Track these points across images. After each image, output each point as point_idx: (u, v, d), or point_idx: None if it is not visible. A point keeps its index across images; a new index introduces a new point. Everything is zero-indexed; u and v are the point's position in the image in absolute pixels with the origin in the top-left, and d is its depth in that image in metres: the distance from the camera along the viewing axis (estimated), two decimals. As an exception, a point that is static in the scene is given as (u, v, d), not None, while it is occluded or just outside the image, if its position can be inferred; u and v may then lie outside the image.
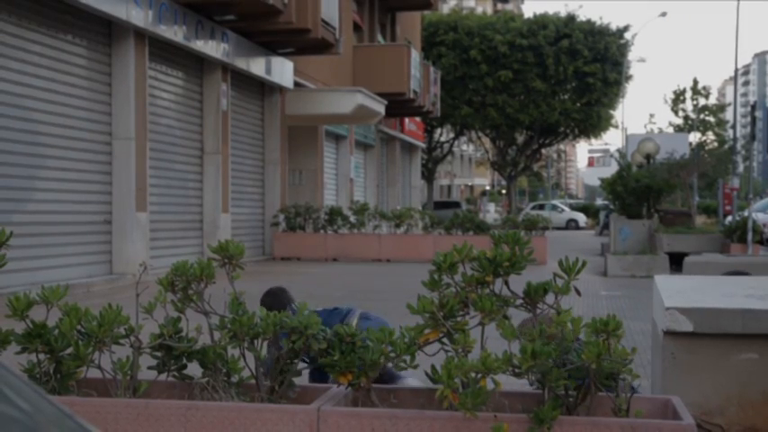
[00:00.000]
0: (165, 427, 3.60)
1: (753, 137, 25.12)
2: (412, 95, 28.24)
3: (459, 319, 3.73)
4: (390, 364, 3.73)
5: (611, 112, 48.13)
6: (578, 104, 44.98)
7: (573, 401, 3.55)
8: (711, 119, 67.94)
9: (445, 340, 3.71)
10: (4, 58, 12.43)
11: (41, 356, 3.85)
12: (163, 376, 3.97)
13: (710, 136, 66.23)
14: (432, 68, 32.48)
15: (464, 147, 66.67)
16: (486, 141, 54.98)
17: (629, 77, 47.27)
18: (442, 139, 49.71)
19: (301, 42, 20.39)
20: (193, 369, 3.97)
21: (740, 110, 74.79)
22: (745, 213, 20.49)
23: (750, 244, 18.54)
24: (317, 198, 23.96)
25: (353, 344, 3.69)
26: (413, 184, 38.51)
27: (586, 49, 42.99)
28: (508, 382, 4.32)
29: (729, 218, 25.17)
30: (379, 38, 31.76)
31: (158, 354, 3.92)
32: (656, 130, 64.12)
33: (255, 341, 3.83)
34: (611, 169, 40.47)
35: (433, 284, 3.78)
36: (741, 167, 39.60)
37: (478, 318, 3.72)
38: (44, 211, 13.30)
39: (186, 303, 3.96)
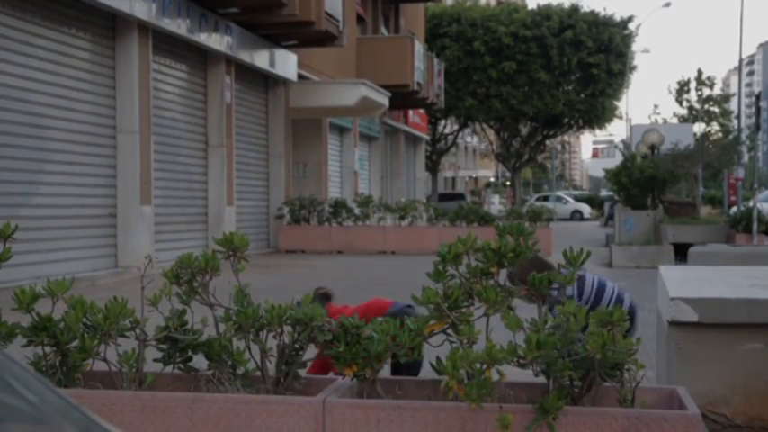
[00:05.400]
0: (171, 419, 3.62)
1: (757, 127, 25.09)
2: (416, 87, 28.20)
3: (463, 310, 3.74)
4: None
5: (616, 103, 48.01)
6: (582, 95, 44.88)
7: (578, 392, 3.56)
8: (716, 109, 67.80)
9: (450, 331, 3.72)
10: (7, 52, 12.43)
11: (47, 349, 3.86)
12: (168, 368, 3.98)
13: (715, 126, 66.12)
14: (435, 60, 32.43)
15: (468, 139, 66.56)
16: (491, 133, 54.90)
17: (633, 68, 47.14)
18: (447, 130, 49.64)
19: (305, 35, 20.37)
20: (199, 361, 3.98)
21: (745, 100, 74.58)
22: (750, 204, 20.45)
23: (755, 234, 18.51)
24: (322, 191, 23.96)
25: (358, 335, 3.70)
26: (417, 177, 38.49)
27: (590, 40, 42.88)
28: (513, 373, 4.33)
29: (734, 208, 25.13)
30: (383, 30, 31.71)
31: (164, 346, 3.93)
32: (660, 121, 64.01)
33: (261, 333, 3.84)
34: (615, 160, 40.41)
35: (437, 276, 3.79)
36: (746, 158, 39.55)
37: (483, 309, 3.73)
38: (49, 205, 13.32)
39: (191, 296, 3.97)
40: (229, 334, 3.85)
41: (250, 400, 3.64)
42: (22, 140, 12.76)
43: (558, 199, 53.95)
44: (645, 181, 23.19)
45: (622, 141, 45.09)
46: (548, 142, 55.65)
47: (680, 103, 67.24)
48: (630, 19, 44.85)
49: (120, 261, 14.85)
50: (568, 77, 44.44)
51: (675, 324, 4.72)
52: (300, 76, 22.28)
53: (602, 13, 44.08)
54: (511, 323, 3.57)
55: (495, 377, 3.49)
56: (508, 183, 69.24)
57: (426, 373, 3.76)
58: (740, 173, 27.03)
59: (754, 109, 26.18)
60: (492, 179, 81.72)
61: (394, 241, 21.26)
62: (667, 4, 56.56)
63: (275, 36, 20.32)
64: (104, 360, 3.87)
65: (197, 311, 3.99)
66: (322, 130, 24.57)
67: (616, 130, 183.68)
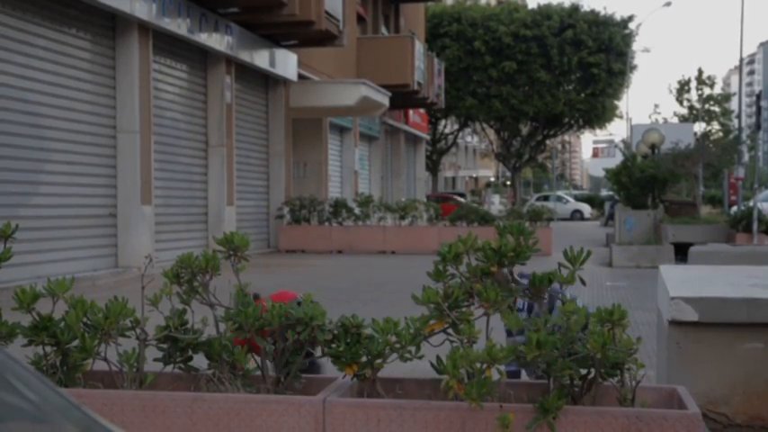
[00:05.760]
0: (172, 419, 3.62)
1: (758, 126, 25.07)
2: (416, 87, 28.20)
3: (464, 309, 3.74)
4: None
5: (616, 102, 48.04)
6: (583, 95, 44.89)
7: (578, 391, 3.56)
8: (716, 109, 67.80)
9: (450, 331, 3.72)
10: (8, 52, 12.44)
11: (48, 349, 3.86)
12: (169, 368, 3.98)
13: (715, 126, 66.12)
14: (436, 60, 32.43)
15: (468, 138, 66.57)
16: (491, 133, 54.92)
17: (633, 68, 47.16)
18: (447, 130, 49.65)
19: (305, 34, 20.37)
20: (199, 361, 3.98)
21: (745, 99, 74.57)
22: (751, 203, 20.45)
23: (755, 234, 18.50)
24: (322, 190, 23.96)
25: (359, 335, 3.70)
26: (417, 176, 38.50)
27: (591, 40, 42.90)
28: (513, 373, 4.30)
29: (734, 208, 25.11)
30: (383, 30, 31.71)
31: (164, 346, 3.93)
32: (660, 121, 63.98)
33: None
34: (615, 160, 40.39)
35: (437, 275, 3.79)
36: (746, 157, 39.55)
37: (483, 308, 3.73)
38: (49, 205, 13.32)
39: (192, 295, 3.97)
40: (230, 334, 3.85)
41: (250, 399, 3.64)
42: (23, 140, 12.76)
43: (559, 199, 53.94)
44: (645, 180, 23.18)
45: (623, 141, 45.07)
46: (548, 142, 55.65)
47: (680, 103, 67.27)
48: (631, 18, 44.88)
49: (120, 261, 14.85)
50: (569, 77, 44.45)
51: (676, 323, 4.72)
52: (300, 76, 22.28)
53: (603, 13, 44.10)
54: (511, 323, 3.57)
55: (496, 377, 3.49)
56: (508, 182, 69.25)
57: (427, 372, 3.76)
58: (740, 172, 27.00)
59: (754, 108, 26.17)
60: (492, 179, 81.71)
61: (394, 241, 21.26)
62: (668, 4, 56.41)
63: (275, 36, 20.32)
64: (105, 360, 3.87)
65: (197, 311, 3.99)
66: (322, 130, 24.57)
67: (616, 130, 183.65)
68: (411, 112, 35.13)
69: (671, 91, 68.34)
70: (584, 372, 3.54)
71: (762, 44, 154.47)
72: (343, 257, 20.02)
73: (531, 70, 43.11)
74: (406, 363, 3.71)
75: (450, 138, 50.05)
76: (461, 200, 42.84)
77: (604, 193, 65.54)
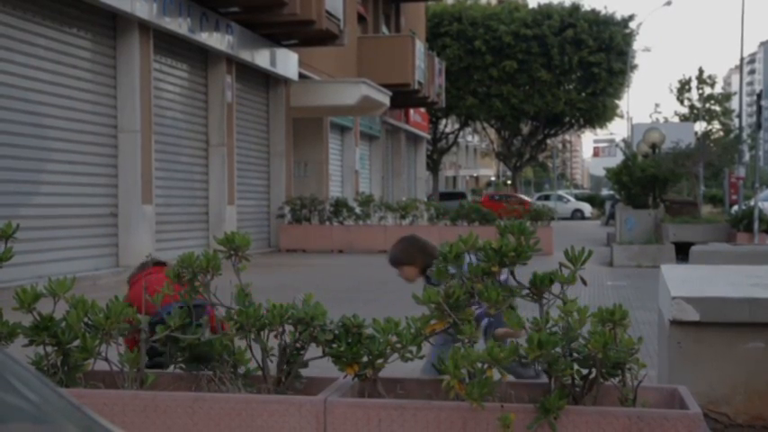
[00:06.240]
0: (173, 419, 3.61)
1: (759, 126, 25.03)
2: (417, 86, 28.20)
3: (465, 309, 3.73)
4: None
5: (617, 101, 48.05)
6: (583, 94, 44.89)
7: (579, 391, 3.55)
8: (717, 108, 67.82)
9: (451, 331, 3.72)
10: (9, 51, 12.44)
11: (49, 349, 3.86)
12: (170, 368, 3.98)
13: (716, 125, 66.12)
14: (436, 59, 32.43)
15: (469, 138, 66.57)
16: (492, 132, 54.92)
17: (634, 67, 47.17)
18: (447, 129, 49.64)
19: (306, 34, 20.36)
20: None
21: (746, 99, 74.55)
22: (752, 202, 20.43)
23: (756, 233, 18.48)
24: (323, 190, 23.96)
25: (360, 335, 3.70)
26: (418, 176, 38.49)
27: (591, 39, 42.90)
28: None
29: (735, 207, 25.10)
30: (384, 29, 31.71)
31: (165, 346, 3.93)
32: (661, 120, 63.99)
33: (262, 332, 3.84)
34: (616, 159, 40.39)
35: (438, 275, 3.78)
36: (747, 156, 39.55)
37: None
38: (50, 205, 13.33)
39: (193, 295, 3.96)
40: (231, 333, 3.85)
41: (251, 399, 3.64)
42: (24, 140, 12.76)
43: (560, 198, 53.95)
44: (646, 180, 23.17)
45: (623, 140, 45.06)
46: (549, 141, 55.65)
47: (681, 102, 67.30)
48: (631, 17, 44.92)
49: (121, 260, 14.85)
50: (569, 76, 44.45)
51: (677, 323, 4.72)
52: (301, 75, 22.28)
53: (603, 12, 44.12)
54: (512, 322, 3.57)
55: (497, 377, 3.49)
56: (509, 182, 69.23)
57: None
58: (741, 172, 26.99)
59: (755, 107, 26.16)
60: (493, 178, 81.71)
61: (395, 240, 21.19)
62: (668, 3, 56.36)
63: (276, 35, 20.32)
64: (106, 360, 3.87)
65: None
66: (323, 129, 24.57)
67: (617, 129, 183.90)
68: (412, 111, 35.13)
69: (671, 90, 68.35)
70: (585, 372, 3.54)
71: (762, 43, 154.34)
72: (344, 257, 20.02)
73: (532, 69, 43.11)
74: (407, 363, 3.70)
75: (451, 137, 50.04)
76: (526, 198, 42.78)
77: (605, 192, 65.53)
